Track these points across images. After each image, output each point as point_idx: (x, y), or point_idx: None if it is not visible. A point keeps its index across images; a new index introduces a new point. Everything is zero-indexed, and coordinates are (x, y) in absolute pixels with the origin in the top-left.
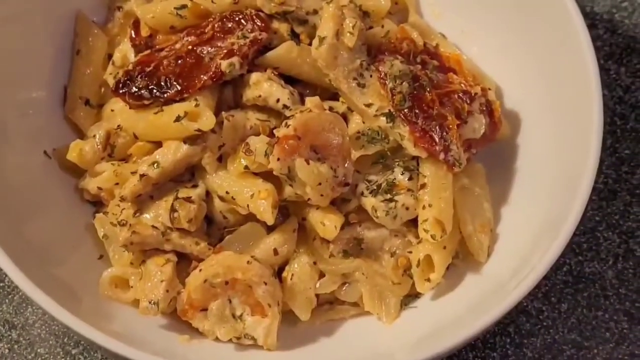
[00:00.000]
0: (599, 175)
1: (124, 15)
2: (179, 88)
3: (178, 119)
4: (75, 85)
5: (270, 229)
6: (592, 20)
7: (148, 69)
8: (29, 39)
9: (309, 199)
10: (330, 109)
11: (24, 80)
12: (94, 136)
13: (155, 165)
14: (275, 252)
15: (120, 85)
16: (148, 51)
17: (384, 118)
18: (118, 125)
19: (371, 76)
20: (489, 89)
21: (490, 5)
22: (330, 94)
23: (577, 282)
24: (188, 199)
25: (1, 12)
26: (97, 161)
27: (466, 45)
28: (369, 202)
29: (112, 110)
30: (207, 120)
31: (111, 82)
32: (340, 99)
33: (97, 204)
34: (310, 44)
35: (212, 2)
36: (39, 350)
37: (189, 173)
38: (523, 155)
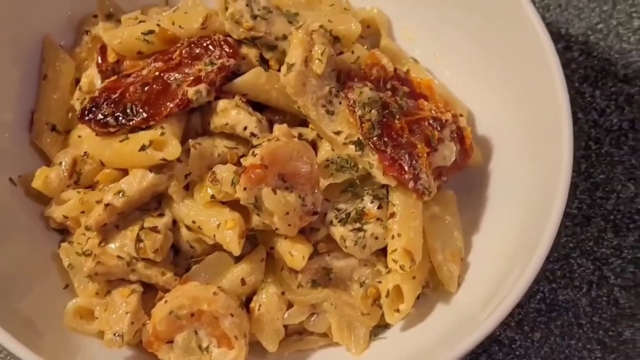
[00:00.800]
0: (573, 200)
1: (91, 39)
2: (145, 115)
3: (143, 148)
4: (42, 111)
5: (237, 259)
6: (567, 43)
7: (114, 96)
8: None
9: (276, 229)
10: (300, 135)
11: None
12: (60, 163)
13: (121, 194)
14: (243, 282)
15: (86, 112)
16: (115, 77)
17: (353, 146)
18: (85, 152)
19: (340, 103)
20: (461, 115)
21: (462, 29)
22: (300, 120)
23: (550, 310)
24: (154, 229)
25: None
26: (63, 189)
27: (438, 68)
28: (337, 231)
29: (79, 137)
30: (172, 149)
31: (78, 107)
32: (310, 125)
33: (64, 231)
34: (279, 70)
35: (180, 27)
36: None
37: (156, 201)
38: (495, 181)
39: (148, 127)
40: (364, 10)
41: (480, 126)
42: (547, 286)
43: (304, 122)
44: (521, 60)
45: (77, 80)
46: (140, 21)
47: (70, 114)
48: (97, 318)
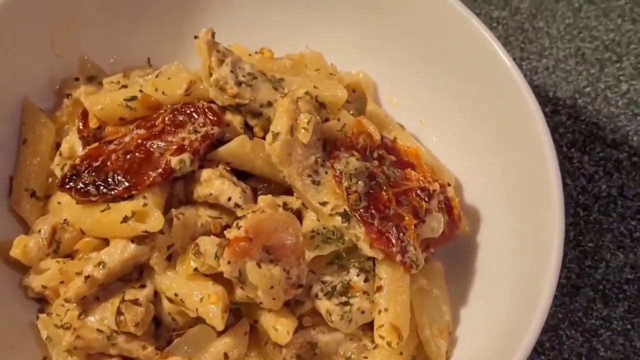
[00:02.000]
0: (562, 269)
1: (72, 102)
2: (127, 185)
3: (125, 219)
4: (22, 176)
5: (221, 332)
6: (554, 106)
7: (95, 164)
8: None
9: (260, 302)
10: (285, 205)
11: None
12: (39, 231)
13: (101, 265)
14: (226, 356)
15: (67, 180)
16: (96, 144)
17: (340, 217)
18: (64, 220)
19: (326, 173)
20: (448, 184)
21: (448, 95)
22: (285, 188)
23: None
24: (135, 302)
25: None
26: (42, 257)
27: (425, 134)
28: (323, 305)
29: (58, 203)
30: (155, 221)
31: (58, 173)
32: (295, 194)
33: (42, 301)
34: (264, 137)
35: (163, 93)
36: None
37: (137, 271)
38: (483, 252)
39: (130, 197)
40: (349, 74)
41: (468, 194)
42: (537, 358)
43: (288, 191)
44: (509, 125)
45: (58, 145)
46: (123, 85)
47: (50, 179)
48: None
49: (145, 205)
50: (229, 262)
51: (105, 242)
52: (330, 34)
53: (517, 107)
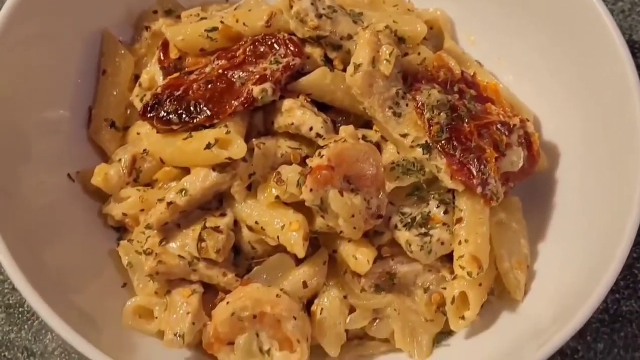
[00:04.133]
0: None
1: (151, 35)
2: (209, 113)
3: (208, 146)
4: (101, 107)
5: (299, 261)
6: (631, 49)
7: (177, 93)
8: (54, 58)
9: (341, 231)
10: (364, 137)
11: (48, 100)
12: (119, 160)
13: (183, 192)
14: (305, 284)
15: (149, 108)
16: (177, 74)
17: (421, 149)
18: (144, 150)
19: (407, 105)
20: (527, 120)
21: (527, 32)
22: (363, 121)
23: (613, 321)
24: (216, 229)
25: (28, 30)
26: (122, 186)
27: (502, 72)
28: (402, 235)
29: (138, 134)
30: (238, 148)
31: (137, 104)
32: (374, 127)
33: (121, 229)
34: (343, 70)
35: (244, 24)
36: None
37: (217, 201)
38: (561, 189)
39: (211, 125)
40: (427, 11)
41: (546, 132)
42: (611, 296)
43: (366, 124)
44: (591, 65)
45: (136, 77)
46: (202, 18)
47: (128, 111)
48: (156, 317)
49: (228, 132)
50: (311, 190)
51: (185, 171)
52: None
53: (602, 46)
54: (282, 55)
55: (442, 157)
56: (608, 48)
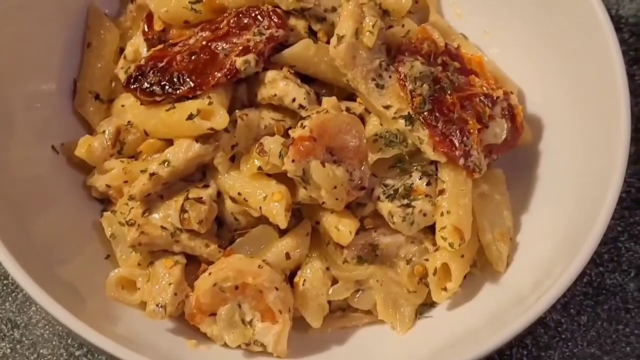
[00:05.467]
0: (622, 184)
1: (136, 8)
2: (192, 85)
3: (191, 116)
4: (86, 79)
5: (282, 232)
6: (617, 24)
7: (161, 64)
8: (40, 30)
9: (323, 203)
10: (347, 109)
11: (33, 72)
12: (104, 132)
13: (166, 164)
14: (288, 256)
15: (132, 80)
16: (161, 46)
17: (403, 121)
18: (128, 122)
19: (390, 77)
20: (511, 92)
21: (513, 5)
22: (347, 94)
23: (597, 294)
24: (199, 200)
25: (12, 0)
26: (106, 158)
27: (488, 46)
28: (385, 207)
29: (122, 106)
30: (220, 119)
31: (122, 76)
32: (358, 99)
33: (105, 201)
34: (327, 42)
35: None
36: (41, 351)
37: (200, 173)
38: (545, 161)
39: (194, 97)
40: None
41: (530, 105)
42: (595, 269)
43: (351, 97)
44: (575, 36)
45: (121, 50)
46: None
47: (113, 83)
48: (139, 289)
49: (210, 103)
50: (293, 161)
51: (169, 143)
52: None
53: (585, 17)
54: (266, 27)
55: (425, 128)
56: (591, 22)
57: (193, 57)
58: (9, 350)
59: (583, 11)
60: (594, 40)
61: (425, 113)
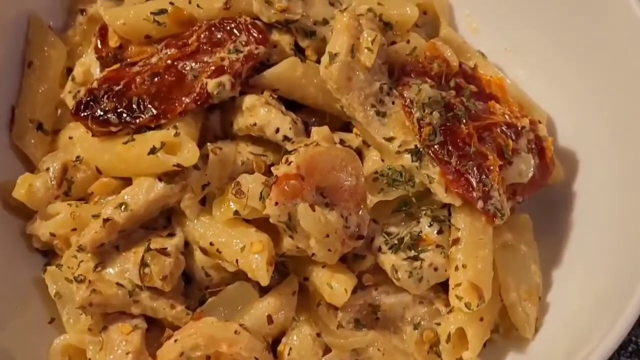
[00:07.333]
0: None
1: (87, 20)
2: (155, 112)
3: (153, 150)
4: (26, 106)
5: (263, 291)
6: None
7: (117, 88)
8: None
9: (313, 254)
10: (342, 142)
11: None
12: (47, 169)
13: (123, 207)
14: (270, 319)
15: (82, 107)
16: (117, 65)
17: (409, 155)
18: (77, 157)
19: (393, 103)
20: (539, 121)
21: (539, 18)
22: (342, 123)
23: None
24: (162, 251)
25: None
26: (50, 200)
27: (510, 66)
28: (388, 260)
29: (70, 138)
30: (189, 154)
31: (70, 102)
32: (354, 130)
33: (49, 253)
34: (317, 62)
35: (198, 6)
36: None
37: (164, 218)
38: (580, 204)
39: (157, 127)
40: None
41: (562, 137)
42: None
43: (346, 127)
44: (615, 58)
45: (69, 70)
46: None
47: (59, 110)
48: (89, 359)
49: (177, 135)
50: (276, 204)
51: (127, 183)
52: None
53: (629, 32)
54: (244, 43)
55: (435, 165)
56: (636, 34)
57: (156, 79)
58: None
59: (627, 24)
60: (635, 59)
61: (435, 146)
